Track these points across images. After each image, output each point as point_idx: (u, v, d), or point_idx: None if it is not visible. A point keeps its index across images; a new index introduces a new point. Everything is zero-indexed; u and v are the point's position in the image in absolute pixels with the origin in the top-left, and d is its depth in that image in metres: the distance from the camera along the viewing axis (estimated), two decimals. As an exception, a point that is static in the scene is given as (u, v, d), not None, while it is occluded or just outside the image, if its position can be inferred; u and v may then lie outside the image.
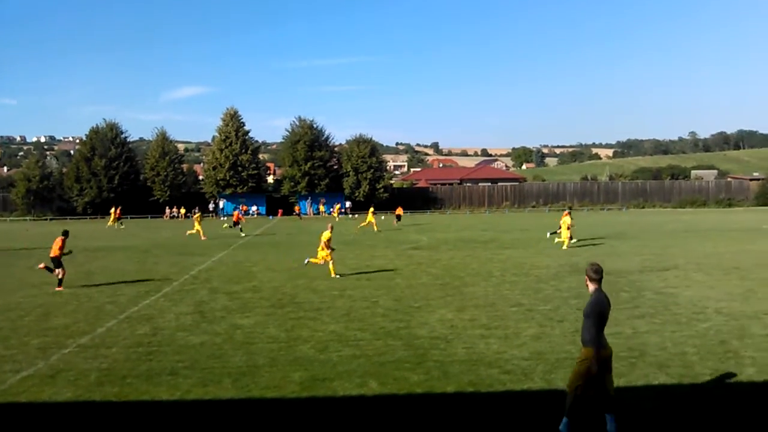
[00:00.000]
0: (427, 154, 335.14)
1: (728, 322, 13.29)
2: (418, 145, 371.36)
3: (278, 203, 78.76)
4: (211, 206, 78.52)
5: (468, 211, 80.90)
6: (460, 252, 27.78)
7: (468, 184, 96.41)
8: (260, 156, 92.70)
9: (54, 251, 19.65)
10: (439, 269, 22.51)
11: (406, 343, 11.92)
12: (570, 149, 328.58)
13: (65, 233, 20.36)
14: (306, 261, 22.65)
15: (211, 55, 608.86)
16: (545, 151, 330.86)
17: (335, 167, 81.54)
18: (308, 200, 77.46)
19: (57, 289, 19.14)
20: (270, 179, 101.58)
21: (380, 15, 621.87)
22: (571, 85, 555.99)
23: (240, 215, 45.21)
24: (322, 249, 21.22)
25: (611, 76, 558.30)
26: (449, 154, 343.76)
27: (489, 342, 11.91)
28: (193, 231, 40.00)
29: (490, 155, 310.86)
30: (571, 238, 30.25)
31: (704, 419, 8.07)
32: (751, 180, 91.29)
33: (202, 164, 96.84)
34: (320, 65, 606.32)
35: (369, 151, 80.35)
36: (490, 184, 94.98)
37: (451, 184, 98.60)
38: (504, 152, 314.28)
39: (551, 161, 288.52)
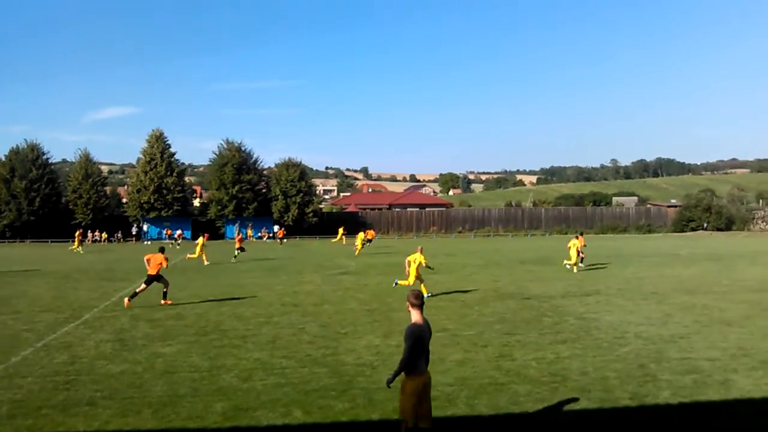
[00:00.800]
0: (356, 179, 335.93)
1: (647, 346, 13.72)
2: (347, 169, 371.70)
3: (204, 227, 77.09)
4: (134, 230, 76.79)
5: (396, 236, 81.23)
6: (387, 277, 27.82)
7: (397, 209, 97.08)
8: (186, 179, 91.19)
9: (153, 268, 20.29)
10: (366, 294, 22.53)
11: (332, 371, 11.86)
12: (495, 175, 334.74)
13: (162, 250, 21.52)
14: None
15: (136, 75, 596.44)
16: (471, 177, 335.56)
17: (264, 191, 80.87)
18: (236, 224, 76.48)
19: (166, 302, 20.50)
20: (196, 202, 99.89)
21: (308, 40, 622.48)
22: (496, 112, 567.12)
23: (241, 237, 44.06)
24: (412, 270, 21.81)
25: (534, 105, 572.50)
26: (378, 179, 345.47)
27: (415, 368, 11.93)
28: (194, 255, 37.44)
29: (419, 181, 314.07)
30: (582, 261, 31.44)
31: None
32: (668, 207, 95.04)
33: (126, 186, 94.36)
34: (249, 88, 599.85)
35: (298, 175, 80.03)
36: (418, 209, 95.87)
37: (380, 208, 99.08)
38: (432, 178, 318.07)
39: (477, 187, 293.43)
